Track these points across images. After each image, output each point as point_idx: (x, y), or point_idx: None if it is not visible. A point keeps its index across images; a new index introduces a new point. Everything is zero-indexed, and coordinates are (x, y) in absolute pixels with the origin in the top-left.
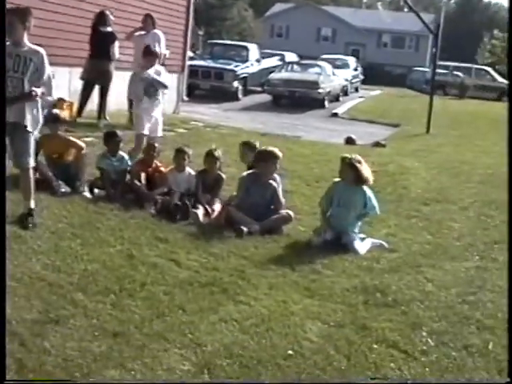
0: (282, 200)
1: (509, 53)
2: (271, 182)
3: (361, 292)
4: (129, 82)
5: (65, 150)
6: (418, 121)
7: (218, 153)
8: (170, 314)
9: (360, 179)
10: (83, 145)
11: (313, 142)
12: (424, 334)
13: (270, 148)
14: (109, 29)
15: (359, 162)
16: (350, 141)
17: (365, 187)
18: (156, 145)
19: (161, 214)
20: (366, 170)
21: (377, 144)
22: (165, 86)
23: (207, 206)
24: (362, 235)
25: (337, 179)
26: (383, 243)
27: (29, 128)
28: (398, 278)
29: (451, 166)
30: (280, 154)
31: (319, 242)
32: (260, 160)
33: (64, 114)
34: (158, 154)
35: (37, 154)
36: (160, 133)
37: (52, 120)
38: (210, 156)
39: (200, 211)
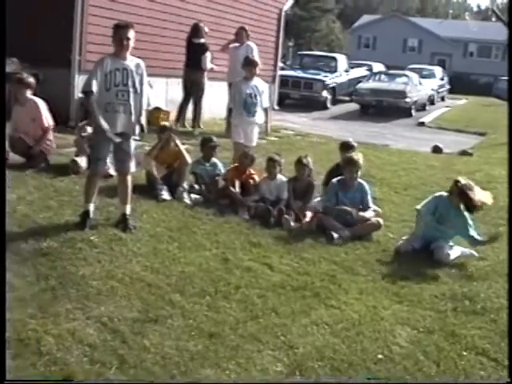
0: (372, 206)
1: (509, 52)
2: (359, 186)
3: (449, 299)
4: (231, 91)
5: (174, 161)
6: (504, 129)
7: (307, 160)
8: (264, 317)
9: (471, 206)
10: (189, 160)
11: (400, 151)
12: None
13: (353, 154)
14: (201, 40)
15: (470, 189)
16: (437, 149)
17: (466, 214)
18: (250, 153)
19: (254, 219)
20: (477, 196)
21: (463, 152)
22: (265, 106)
23: (298, 213)
24: (451, 243)
25: (442, 193)
26: (473, 252)
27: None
28: (486, 286)
29: None
30: (361, 160)
31: (408, 249)
32: (346, 166)
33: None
34: (251, 161)
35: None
36: (255, 142)
37: (160, 131)
38: (299, 163)
39: (291, 217)
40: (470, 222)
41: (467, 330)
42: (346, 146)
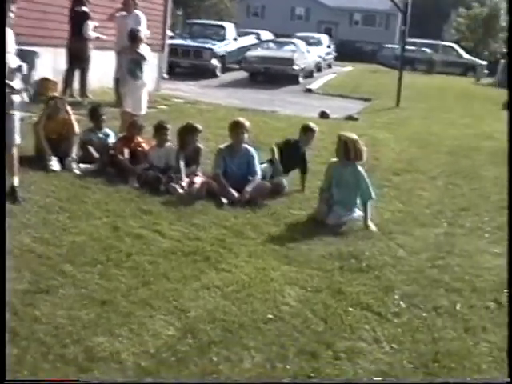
0: (258, 170)
1: (509, 51)
2: (246, 152)
3: (336, 258)
4: (116, 62)
5: (62, 131)
6: (388, 95)
7: (194, 126)
8: (155, 282)
9: (348, 156)
10: (77, 130)
11: (288, 116)
12: (396, 296)
13: (236, 118)
14: (84, 8)
15: (352, 141)
16: (324, 115)
17: (359, 166)
18: (138, 122)
19: (144, 187)
20: (359, 148)
21: (349, 118)
22: (143, 57)
23: (188, 179)
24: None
25: (333, 159)
26: (360, 214)
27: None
28: (371, 245)
29: (420, 138)
30: (246, 123)
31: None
32: (230, 131)
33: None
34: (140, 130)
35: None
36: (144, 110)
37: (48, 101)
38: (188, 130)
39: (181, 184)
40: (362, 172)
41: (353, 288)
42: (306, 129)
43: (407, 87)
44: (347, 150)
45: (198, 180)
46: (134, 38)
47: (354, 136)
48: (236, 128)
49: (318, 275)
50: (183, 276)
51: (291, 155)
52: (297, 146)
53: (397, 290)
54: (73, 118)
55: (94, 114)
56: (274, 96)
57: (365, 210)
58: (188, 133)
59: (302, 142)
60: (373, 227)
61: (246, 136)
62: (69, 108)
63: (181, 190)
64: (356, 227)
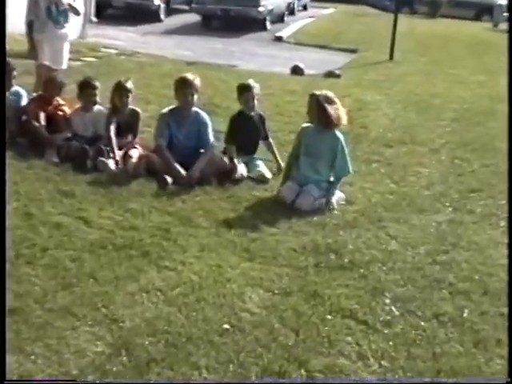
0: (213, 142)
1: (509, 49)
2: (196, 117)
3: (311, 253)
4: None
5: None
6: (379, 45)
7: (129, 84)
8: (79, 285)
9: (328, 121)
10: None
11: (252, 72)
12: (387, 301)
13: (184, 75)
14: None
15: (329, 101)
16: (296, 70)
17: (338, 133)
18: (58, 78)
19: (66, 162)
20: (337, 110)
21: (330, 74)
22: (77, 12)
23: (122, 152)
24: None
25: (306, 124)
26: (339, 194)
27: None
28: (355, 236)
29: (419, 100)
30: (196, 81)
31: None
32: (176, 90)
33: None
34: (60, 89)
35: None
36: (65, 64)
37: None
38: (119, 88)
39: (112, 158)
40: (342, 142)
41: (332, 290)
42: (242, 89)
43: (404, 35)
44: (322, 111)
45: (135, 153)
46: None
47: (330, 94)
48: (183, 87)
49: (287, 274)
50: (115, 276)
51: (246, 129)
52: (246, 115)
53: (388, 292)
54: None
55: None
56: (234, 46)
57: (332, 187)
58: (119, 92)
59: (246, 108)
60: (334, 205)
61: (195, 97)
62: None
63: (113, 167)
64: (336, 213)
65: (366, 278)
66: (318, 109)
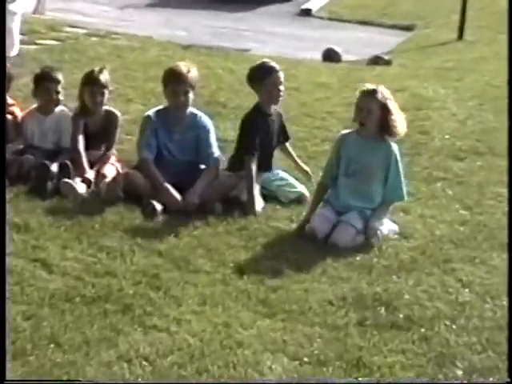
0: (217, 153)
1: (509, 51)
2: (193, 121)
3: (353, 306)
4: None
5: None
6: (444, 20)
7: (105, 76)
8: (36, 352)
9: (391, 128)
10: None
11: (270, 59)
12: (459, 372)
13: (176, 64)
14: None
15: (382, 97)
16: (331, 55)
17: (392, 143)
18: (6, 68)
19: (17, 184)
20: (397, 114)
21: (376, 60)
22: None
23: (94, 169)
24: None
25: (346, 131)
26: (392, 226)
27: None
28: (413, 282)
29: (499, 96)
30: (192, 73)
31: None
32: (164, 85)
33: None
34: (8, 83)
35: None
36: (16, 49)
37: None
38: (91, 81)
39: (79, 179)
40: (398, 157)
41: (382, 357)
42: (263, 71)
43: (477, 6)
44: (385, 115)
45: (111, 170)
46: None
47: (385, 90)
48: (174, 82)
49: (320, 336)
50: (85, 340)
51: (264, 133)
52: (265, 114)
53: (460, 360)
54: None
55: None
56: (245, 23)
57: (379, 212)
58: (90, 87)
59: (264, 102)
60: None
61: (191, 95)
62: None
63: (82, 190)
64: (387, 250)
65: (428, 341)
66: (382, 112)
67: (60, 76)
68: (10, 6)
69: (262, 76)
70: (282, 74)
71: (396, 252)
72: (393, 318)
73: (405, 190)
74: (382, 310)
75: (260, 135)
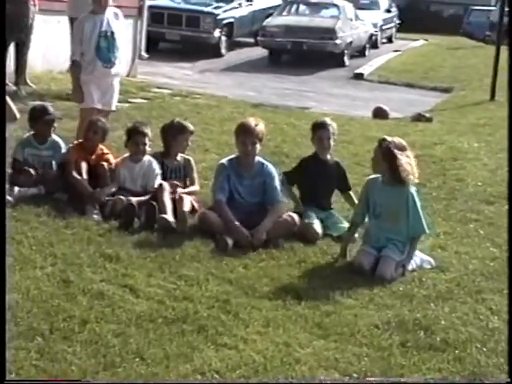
0: (281, 198)
1: (509, 52)
2: (261, 169)
3: (396, 330)
4: (72, 32)
5: None
6: (478, 83)
7: (186, 125)
8: (123, 365)
9: (396, 175)
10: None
11: (327, 116)
12: None
13: (246, 120)
14: None
15: (401, 149)
16: (380, 113)
17: (409, 187)
18: (101, 123)
19: (110, 221)
20: (407, 162)
21: (419, 117)
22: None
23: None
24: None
25: (372, 176)
26: (429, 259)
27: None
28: (449, 310)
29: None
30: (261, 127)
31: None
32: (236, 137)
33: None
34: (103, 135)
35: None
36: (114, 106)
37: None
38: (173, 129)
39: (170, 214)
40: (415, 198)
41: (421, 374)
42: (317, 126)
43: (506, 72)
44: (394, 162)
45: (187, 204)
46: None
47: (401, 141)
48: (243, 135)
49: (368, 355)
50: (166, 355)
51: (318, 176)
52: (320, 160)
53: (490, 379)
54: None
55: (38, 117)
56: (306, 85)
57: (409, 250)
58: (172, 134)
59: (320, 149)
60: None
61: (258, 146)
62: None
63: (173, 222)
64: (425, 282)
65: (462, 361)
66: (390, 159)
67: (147, 130)
68: (113, 69)
69: (316, 129)
70: (331, 129)
71: (434, 283)
72: (431, 341)
73: (425, 224)
74: (422, 333)
75: (312, 178)
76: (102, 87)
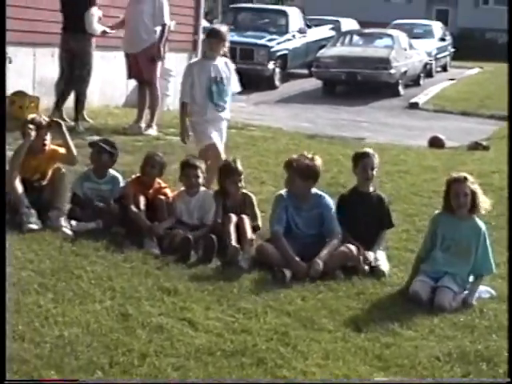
0: (338, 228)
1: (509, 52)
2: (318, 200)
3: (458, 361)
4: (185, 77)
5: (47, 167)
6: None
7: (237, 164)
8: None
9: (476, 206)
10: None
11: (383, 146)
12: None
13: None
14: None
15: (463, 181)
16: (436, 142)
17: (479, 221)
18: (158, 157)
19: (167, 254)
20: (482, 195)
21: (476, 146)
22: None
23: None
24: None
25: (439, 211)
26: (489, 290)
27: None
28: None
29: None
30: (318, 162)
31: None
32: (294, 175)
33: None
34: (161, 169)
35: None
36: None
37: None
38: (227, 169)
39: (234, 240)
40: (485, 234)
41: None
42: (359, 156)
43: None
44: (474, 198)
45: (248, 233)
46: (213, 34)
47: (467, 175)
48: (303, 177)
49: None
50: None
51: (360, 211)
52: (361, 193)
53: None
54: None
55: (99, 151)
56: (361, 115)
57: (473, 287)
58: (223, 175)
59: (360, 183)
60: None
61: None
62: (67, 134)
63: (236, 253)
64: (487, 312)
65: None
66: (473, 195)
67: (199, 162)
68: (223, 113)
69: (358, 159)
70: (375, 160)
71: (495, 314)
72: (493, 373)
73: (493, 263)
74: (484, 365)
75: (354, 213)
76: (215, 129)
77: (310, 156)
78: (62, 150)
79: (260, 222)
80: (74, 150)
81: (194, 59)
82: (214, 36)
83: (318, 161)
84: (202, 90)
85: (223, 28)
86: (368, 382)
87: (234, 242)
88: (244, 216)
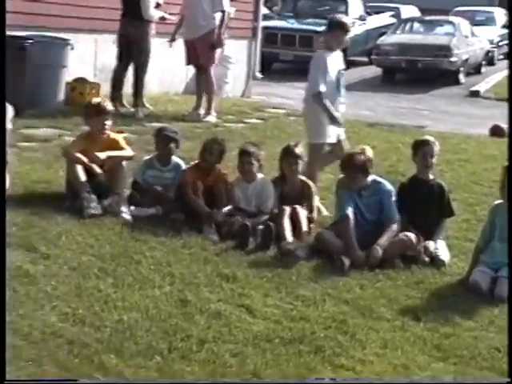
0: (397, 216)
1: (509, 52)
2: (377, 187)
3: None
4: (315, 68)
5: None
6: None
7: (299, 149)
8: None
9: None
10: (130, 154)
11: (443, 134)
12: None
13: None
14: None
15: None
16: (497, 131)
17: None
18: (216, 144)
19: (226, 241)
20: None
21: None
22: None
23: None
24: None
25: (498, 201)
26: None
27: None
28: None
29: None
30: (368, 153)
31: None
32: (355, 173)
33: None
34: (220, 156)
35: None
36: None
37: (87, 113)
38: (287, 154)
39: (289, 237)
40: None
41: None
42: (419, 143)
43: None
44: None
45: (304, 225)
46: (337, 25)
47: None
48: (351, 170)
49: (488, 379)
50: (282, 375)
51: (420, 199)
52: (420, 181)
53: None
54: (121, 138)
55: (163, 137)
56: (421, 103)
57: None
58: (281, 157)
59: (420, 171)
60: None
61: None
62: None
63: (291, 246)
64: None
65: None
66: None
67: (254, 149)
68: (344, 107)
69: (418, 146)
70: (435, 147)
71: None
72: None
73: None
74: None
75: (412, 201)
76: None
77: (359, 150)
78: (123, 143)
79: (315, 214)
80: (127, 150)
81: (321, 51)
82: (342, 29)
83: (369, 151)
84: (332, 81)
85: (348, 20)
86: (368, 382)
87: (287, 237)
88: (299, 209)
